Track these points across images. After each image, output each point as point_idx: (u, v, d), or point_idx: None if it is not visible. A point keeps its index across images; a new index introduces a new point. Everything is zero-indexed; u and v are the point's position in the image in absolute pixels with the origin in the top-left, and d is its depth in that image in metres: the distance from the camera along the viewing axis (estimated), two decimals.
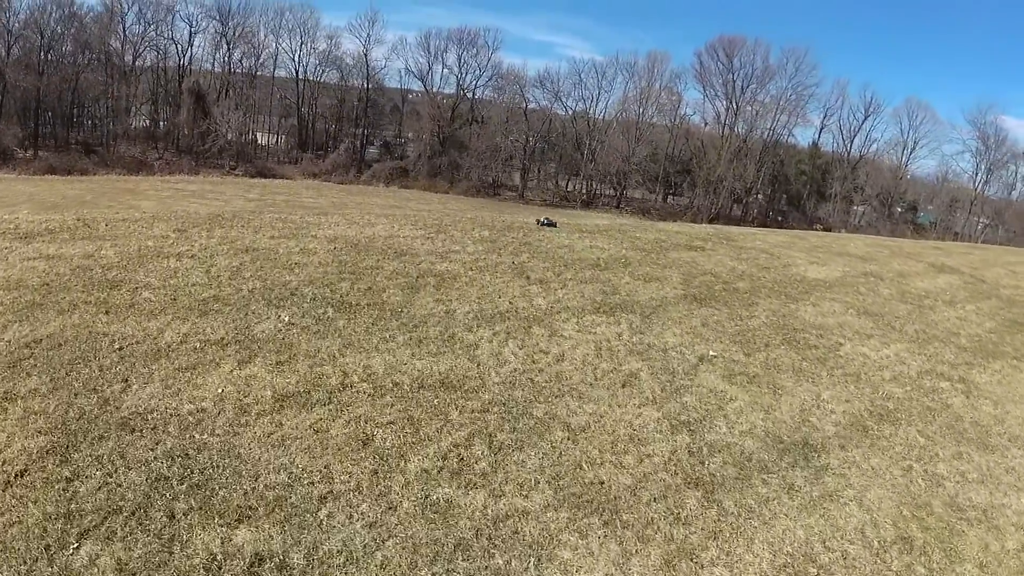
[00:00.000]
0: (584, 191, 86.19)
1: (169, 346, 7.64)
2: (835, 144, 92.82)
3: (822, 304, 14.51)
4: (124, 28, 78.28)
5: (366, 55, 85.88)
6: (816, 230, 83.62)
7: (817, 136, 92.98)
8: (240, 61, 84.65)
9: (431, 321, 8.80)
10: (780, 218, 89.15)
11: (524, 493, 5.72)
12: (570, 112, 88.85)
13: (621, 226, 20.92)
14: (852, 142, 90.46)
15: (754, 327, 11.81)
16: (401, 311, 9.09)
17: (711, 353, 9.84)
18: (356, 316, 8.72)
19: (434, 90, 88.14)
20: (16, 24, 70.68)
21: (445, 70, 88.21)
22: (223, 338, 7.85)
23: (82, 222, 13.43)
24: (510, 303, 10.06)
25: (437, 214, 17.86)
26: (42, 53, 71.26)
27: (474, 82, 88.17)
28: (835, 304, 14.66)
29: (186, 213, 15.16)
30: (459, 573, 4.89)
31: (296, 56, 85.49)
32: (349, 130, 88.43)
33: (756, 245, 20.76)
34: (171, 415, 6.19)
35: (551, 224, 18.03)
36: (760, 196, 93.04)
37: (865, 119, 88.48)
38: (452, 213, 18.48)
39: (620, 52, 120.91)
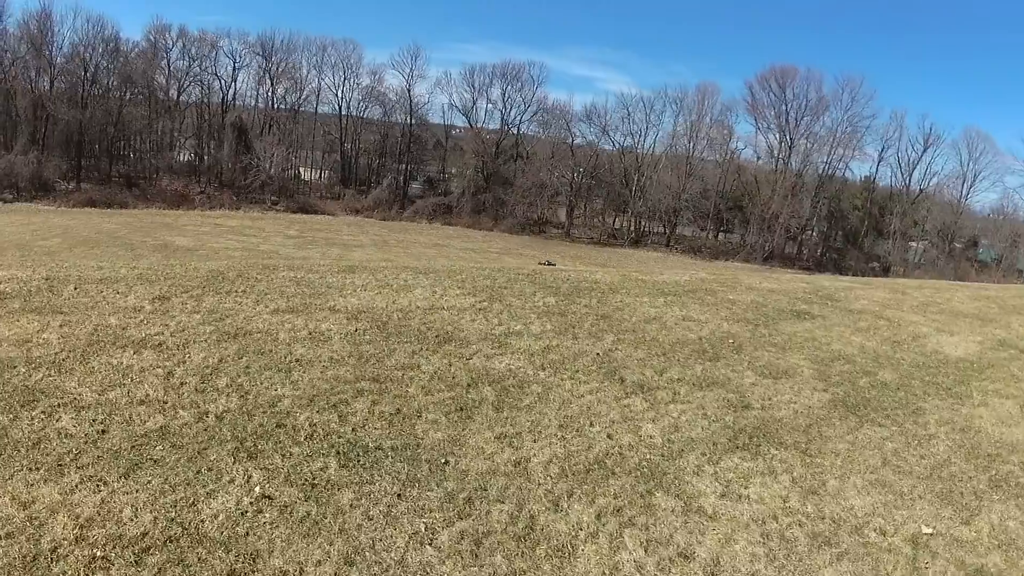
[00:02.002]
0: (632, 228, 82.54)
1: (50, 560, 4.41)
2: (893, 178, 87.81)
3: (991, 402, 10.97)
4: (169, 63, 78.03)
5: (409, 90, 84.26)
6: (873, 268, 78.92)
7: (875, 170, 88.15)
8: (283, 97, 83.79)
9: (493, 487, 5.44)
10: (835, 256, 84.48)
11: None
12: (618, 147, 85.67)
13: (704, 282, 17.44)
14: (911, 176, 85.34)
15: (942, 457, 8.24)
16: (445, 462, 5.75)
17: (924, 529, 6.31)
18: (372, 477, 5.41)
19: (478, 125, 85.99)
20: (60, 58, 70.69)
21: (489, 105, 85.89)
22: (145, 533, 4.59)
23: (48, 283, 10.57)
24: (609, 437, 6.66)
25: (488, 271, 14.63)
26: (86, 87, 70.98)
27: (519, 117, 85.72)
28: (1005, 402, 11.12)
29: (183, 270, 12.15)
30: None
31: (339, 92, 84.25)
32: (392, 166, 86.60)
33: (863, 306, 17.22)
34: None
35: (550, 264, 17.95)
36: (814, 233, 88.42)
37: (924, 151, 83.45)
38: (506, 270, 15.23)
39: (668, 85, 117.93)
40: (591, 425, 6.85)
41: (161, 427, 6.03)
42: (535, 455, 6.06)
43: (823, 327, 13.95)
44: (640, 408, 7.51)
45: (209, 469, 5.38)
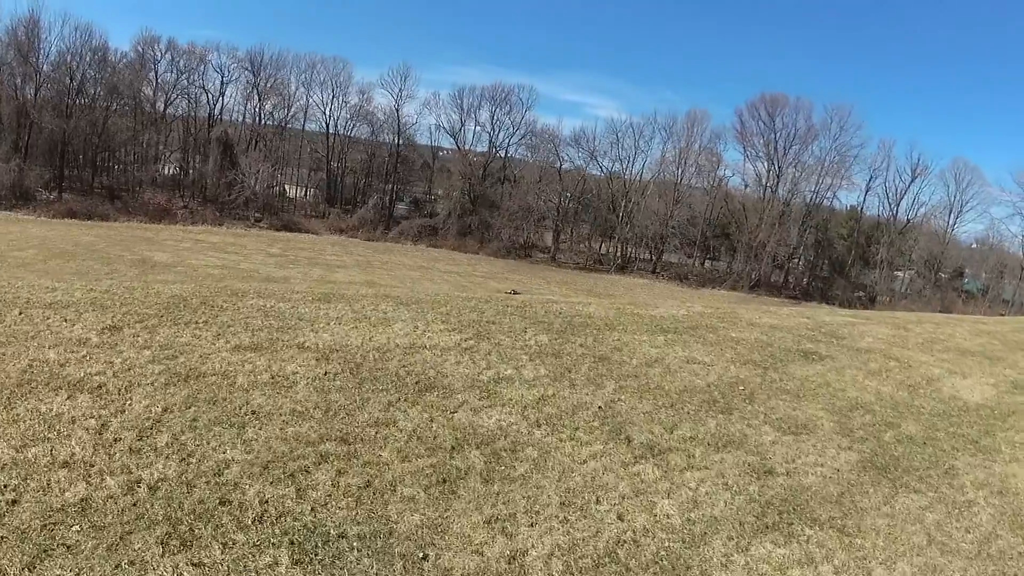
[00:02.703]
0: (619, 254, 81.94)
1: None
2: (881, 208, 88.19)
3: (1022, 457, 10.24)
4: (156, 75, 76.89)
5: (398, 110, 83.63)
6: (860, 298, 78.56)
7: (862, 199, 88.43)
8: (271, 113, 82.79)
9: None
10: (822, 285, 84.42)
11: None
12: (605, 173, 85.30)
13: (703, 317, 16.54)
14: (898, 206, 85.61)
15: (987, 529, 7.34)
16: (423, 556, 4.70)
17: None
18: None
19: (466, 147, 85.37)
20: (46, 66, 69.29)
21: (477, 127, 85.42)
22: None
23: None
24: (619, 518, 5.63)
25: (475, 302, 13.63)
26: (71, 95, 69.57)
27: (507, 140, 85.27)
28: None
29: (143, 294, 11.04)
30: None
31: (327, 110, 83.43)
32: (378, 185, 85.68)
33: (870, 345, 16.49)
34: None
35: (515, 294, 18.71)
36: (801, 262, 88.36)
37: (912, 181, 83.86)
38: (494, 301, 14.25)
39: (658, 112, 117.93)
40: (597, 502, 5.82)
41: (82, 499, 4.95)
42: (533, 546, 5.01)
43: (834, 370, 13.11)
44: (652, 477, 6.49)
45: (131, 563, 4.30)
